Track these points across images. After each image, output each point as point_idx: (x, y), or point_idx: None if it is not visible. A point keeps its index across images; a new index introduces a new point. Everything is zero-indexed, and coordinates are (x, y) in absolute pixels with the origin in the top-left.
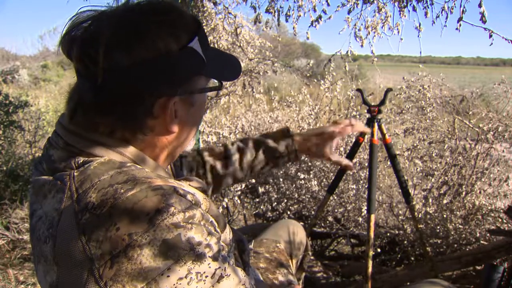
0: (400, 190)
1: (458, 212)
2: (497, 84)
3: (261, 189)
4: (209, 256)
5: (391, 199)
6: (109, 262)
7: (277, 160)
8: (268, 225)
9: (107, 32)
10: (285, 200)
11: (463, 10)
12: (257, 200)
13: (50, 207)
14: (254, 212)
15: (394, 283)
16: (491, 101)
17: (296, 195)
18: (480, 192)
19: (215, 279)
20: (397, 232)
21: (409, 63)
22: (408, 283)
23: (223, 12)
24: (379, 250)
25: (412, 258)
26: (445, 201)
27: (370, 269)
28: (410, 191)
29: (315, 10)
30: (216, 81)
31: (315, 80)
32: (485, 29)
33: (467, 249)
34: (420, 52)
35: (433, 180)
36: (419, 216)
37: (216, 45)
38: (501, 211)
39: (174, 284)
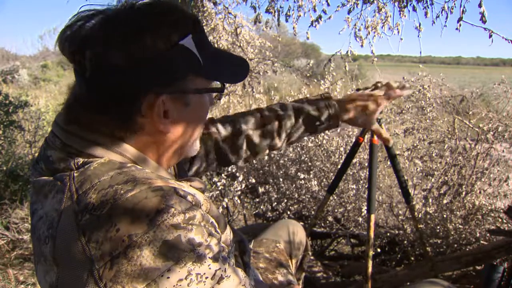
0: (400, 190)
1: (458, 212)
2: (497, 84)
3: (261, 189)
4: (209, 257)
5: (391, 199)
6: (109, 263)
7: (317, 127)
8: (268, 225)
9: (95, 29)
10: (285, 200)
11: (463, 10)
12: (257, 200)
13: (50, 208)
14: (254, 212)
15: (394, 283)
16: (491, 101)
17: (296, 195)
18: (480, 192)
19: (215, 280)
20: (397, 232)
21: (409, 63)
22: (408, 283)
23: (223, 12)
24: (379, 250)
25: (412, 258)
26: (445, 201)
27: (370, 269)
28: (410, 191)
29: (315, 10)
30: (218, 82)
31: (315, 80)
32: (485, 29)
33: (467, 249)
34: (420, 52)
35: (433, 180)
36: (419, 216)
37: (216, 45)
38: (501, 211)
39: (174, 285)
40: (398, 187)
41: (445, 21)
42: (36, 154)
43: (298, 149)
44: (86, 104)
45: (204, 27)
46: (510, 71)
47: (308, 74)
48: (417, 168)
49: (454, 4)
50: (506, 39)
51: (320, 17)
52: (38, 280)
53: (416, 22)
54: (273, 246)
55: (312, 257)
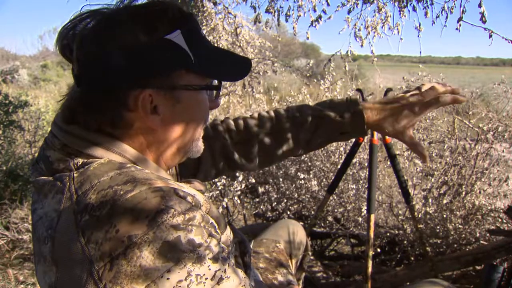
0: (400, 190)
1: (458, 212)
2: (497, 84)
3: (261, 189)
4: (209, 258)
5: (391, 199)
6: (109, 264)
7: (340, 137)
8: (268, 225)
9: (84, 28)
10: (285, 200)
11: (463, 10)
12: (257, 200)
13: (49, 208)
14: (254, 212)
15: (394, 283)
16: (491, 101)
17: (296, 195)
18: (480, 192)
19: (215, 281)
20: (397, 232)
21: (409, 63)
22: (408, 283)
23: (223, 12)
24: (379, 250)
25: (412, 258)
26: (445, 201)
27: (370, 269)
28: (410, 191)
29: (315, 10)
30: (216, 80)
31: (315, 80)
32: (485, 29)
33: (467, 249)
34: (420, 52)
35: (433, 180)
36: (419, 216)
37: (215, 45)
38: (501, 211)
39: (173, 286)
40: (398, 187)
41: (445, 21)
42: (36, 154)
43: None
44: (80, 103)
45: (204, 27)
46: (510, 71)
47: (308, 74)
48: (417, 168)
49: (454, 4)
50: (506, 39)
51: (320, 17)
52: (37, 280)
53: (416, 22)
54: (273, 246)
55: (312, 257)
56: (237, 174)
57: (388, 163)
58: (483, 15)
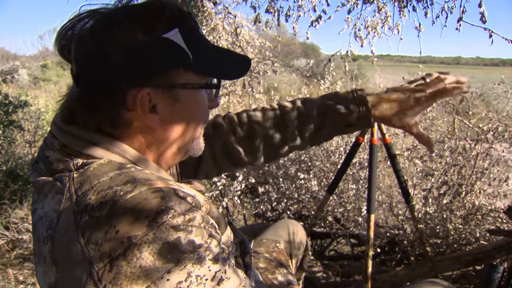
0: (400, 190)
1: (458, 212)
2: (497, 84)
3: (261, 189)
4: (209, 259)
5: (391, 199)
6: (108, 264)
7: (345, 130)
8: (268, 225)
9: (81, 27)
10: (285, 200)
11: (463, 10)
12: (257, 200)
13: (49, 208)
14: (254, 212)
15: (394, 283)
16: (491, 101)
17: (296, 195)
18: (480, 192)
19: (215, 281)
20: (397, 232)
21: (409, 63)
22: (408, 283)
23: (223, 12)
24: (379, 250)
25: (412, 258)
26: (445, 201)
27: (370, 269)
28: (410, 191)
29: (315, 10)
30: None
31: (315, 80)
32: (485, 29)
33: (467, 249)
34: (420, 52)
35: (433, 180)
36: (419, 216)
37: (215, 44)
38: (501, 211)
39: (174, 287)
40: (398, 187)
41: (445, 21)
42: (36, 154)
43: None
44: (79, 103)
45: (204, 27)
46: (510, 71)
47: (308, 74)
48: (417, 168)
49: (454, 4)
50: (506, 39)
51: (320, 17)
52: (37, 281)
53: (416, 22)
54: (273, 246)
55: (312, 257)
56: (237, 174)
57: (388, 163)
58: (483, 15)
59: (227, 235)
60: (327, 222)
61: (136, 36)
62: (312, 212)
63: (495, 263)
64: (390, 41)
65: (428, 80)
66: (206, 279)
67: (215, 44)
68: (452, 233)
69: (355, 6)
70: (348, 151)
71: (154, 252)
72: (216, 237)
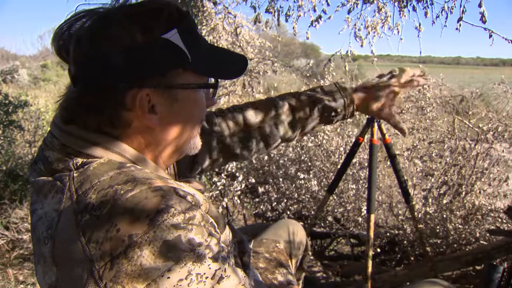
0: (400, 190)
1: (458, 212)
2: (497, 84)
3: (261, 189)
4: (209, 257)
5: (391, 199)
6: (109, 263)
7: (332, 119)
8: (268, 225)
9: (80, 28)
10: (285, 200)
11: (463, 10)
12: (257, 200)
13: (49, 208)
14: (254, 212)
15: (394, 283)
16: (491, 101)
17: (296, 195)
18: (480, 192)
19: (215, 280)
20: (397, 232)
21: (409, 63)
22: (408, 283)
23: (223, 12)
24: (379, 250)
25: (412, 258)
26: (445, 201)
27: (370, 269)
28: (410, 191)
29: (315, 10)
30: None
31: (315, 80)
32: (485, 29)
33: (467, 249)
34: (420, 52)
35: (433, 180)
36: (419, 216)
37: (214, 44)
38: (501, 211)
39: (174, 285)
40: (398, 187)
41: (445, 21)
42: (35, 155)
43: (298, 149)
44: (78, 103)
45: (204, 27)
46: (510, 71)
47: (308, 74)
48: (417, 168)
49: (454, 4)
50: (506, 39)
51: (320, 17)
52: (37, 281)
53: (416, 22)
54: (273, 246)
55: (312, 257)
56: (237, 174)
57: (388, 163)
58: (483, 15)
59: (226, 234)
60: (327, 222)
61: (135, 37)
62: (312, 212)
63: (495, 263)
64: (390, 41)
65: (395, 73)
66: (206, 277)
67: (215, 44)
68: (452, 233)
69: (355, 6)
70: (348, 151)
71: (154, 250)
72: (215, 236)
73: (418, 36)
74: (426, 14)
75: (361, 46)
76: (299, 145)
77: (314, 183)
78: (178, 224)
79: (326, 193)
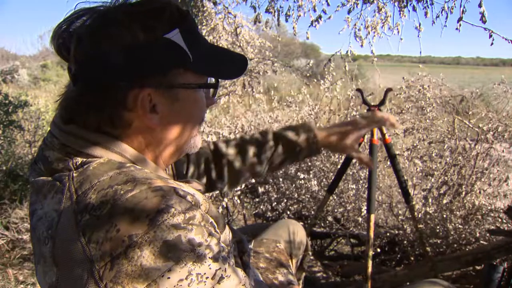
0: (400, 190)
1: (458, 212)
2: (497, 84)
3: (260, 189)
4: (209, 257)
5: (391, 199)
6: (109, 263)
7: (297, 154)
8: (268, 225)
9: (80, 26)
10: (285, 200)
11: (463, 10)
12: (257, 200)
13: (49, 208)
14: (254, 212)
15: (394, 283)
16: (491, 101)
17: (296, 195)
18: (480, 192)
19: (215, 280)
20: (397, 232)
21: (409, 63)
22: (408, 283)
23: (223, 12)
24: (379, 250)
25: (412, 258)
26: (445, 201)
27: (370, 269)
28: (410, 191)
29: (315, 10)
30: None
31: (315, 80)
32: (485, 29)
33: (467, 249)
34: (420, 52)
35: (433, 180)
36: (419, 216)
37: (214, 44)
38: (501, 211)
39: (174, 285)
40: (398, 187)
41: (445, 21)
42: (35, 155)
43: None
44: (78, 102)
45: (204, 27)
46: (510, 71)
47: (308, 74)
48: (417, 168)
49: (454, 4)
50: (506, 39)
51: (320, 17)
52: (38, 281)
53: (416, 22)
54: (274, 246)
55: (312, 257)
56: None
57: (388, 163)
58: (483, 15)
59: (226, 234)
60: (327, 222)
61: (137, 35)
62: (312, 212)
63: (495, 263)
64: (390, 41)
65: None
66: (207, 277)
67: (215, 44)
68: (452, 233)
69: (355, 6)
70: None
71: (155, 250)
72: (215, 236)
73: (418, 36)
74: (426, 14)
75: (361, 46)
76: None
77: (314, 183)
78: (178, 224)
79: (326, 193)
